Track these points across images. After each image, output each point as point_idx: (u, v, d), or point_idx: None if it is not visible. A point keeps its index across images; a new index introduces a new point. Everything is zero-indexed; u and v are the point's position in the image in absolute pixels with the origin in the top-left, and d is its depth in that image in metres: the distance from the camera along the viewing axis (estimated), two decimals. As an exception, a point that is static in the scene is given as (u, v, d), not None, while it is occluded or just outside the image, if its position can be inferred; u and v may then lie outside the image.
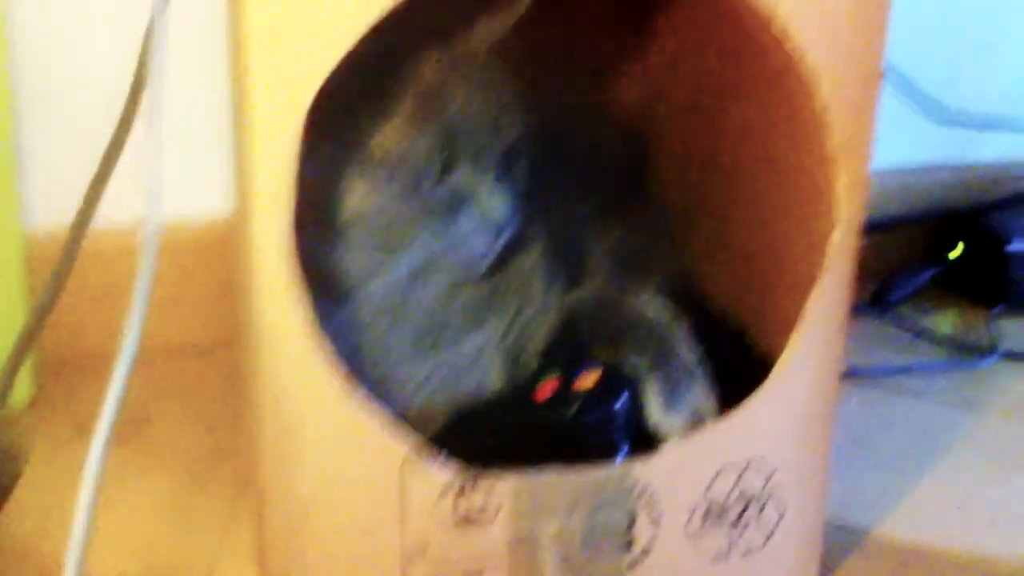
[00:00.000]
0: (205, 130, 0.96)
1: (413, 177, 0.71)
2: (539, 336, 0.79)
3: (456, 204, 0.72)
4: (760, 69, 0.76)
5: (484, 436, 0.74)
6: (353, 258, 0.72)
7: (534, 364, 0.77)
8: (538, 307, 0.79)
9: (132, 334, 0.58)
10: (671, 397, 0.73)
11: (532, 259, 0.79)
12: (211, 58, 0.93)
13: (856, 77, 0.68)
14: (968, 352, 1.10)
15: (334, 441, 0.67)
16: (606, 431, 0.72)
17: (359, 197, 0.71)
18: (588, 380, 0.73)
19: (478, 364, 0.77)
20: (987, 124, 1.24)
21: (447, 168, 0.71)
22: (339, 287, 0.73)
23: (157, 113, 0.60)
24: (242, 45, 0.60)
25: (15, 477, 0.67)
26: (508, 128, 0.74)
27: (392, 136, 0.70)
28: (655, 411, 0.73)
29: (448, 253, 0.73)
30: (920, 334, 1.13)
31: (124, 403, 0.92)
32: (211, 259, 1.01)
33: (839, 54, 0.67)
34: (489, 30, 0.73)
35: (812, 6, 0.66)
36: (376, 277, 0.73)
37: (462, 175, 0.72)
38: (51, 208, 0.92)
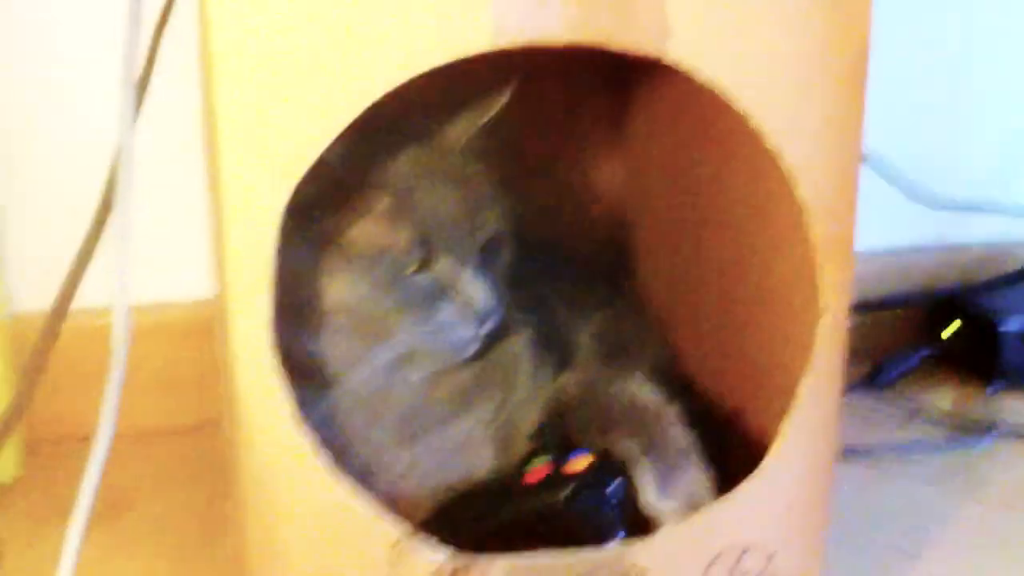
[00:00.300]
0: (192, 211, 0.96)
1: (393, 269, 0.71)
2: (527, 421, 0.78)
3: (436, 295, 0.72)
4: (740, 162, 0.77)
5: (475, 520, 0.73)
6: (335, 347, 0.72)
7: (523, 448, 0.76)
8: (525, 392, 0.79)
9: (107, 421, 0.57)
10: (665, 481, 0.72)
11: (518, 345, 0.79)
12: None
13: (836, 169, 0.68)
14: (965, 431, 1.09)
15: (320, 529, 0.66)
16: (599, 515, 0.71)
17: (339, 288, 0.71)
18: (580, 464, 0.72)
19: (465, 449, 0.76)
20: (970, 207, 1.25)
21: (427, 260, 0.72)
22: (321, 375, 0.73)
23: (126, 203, 0.60)
24: (216, 141, 0.61)
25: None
26: (487, 220, 0.75)
27: (370, 230, 0.71)
28: (649, 495, 0.72)
29: (431, 342, 0.73)
30: (916, 413, 1.12)
31: (107, 485, 0.91)
32: (197, 340, 1.01)
33: (817, 148, 0.68)
34: (464, 128, 0.75)
35: (787, 103, 0.67)
36: (359, 365, 0.73)
37: (442, 266, 0.72)
38: (37, 292, 0.92)
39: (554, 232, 0.94)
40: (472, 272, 0.73)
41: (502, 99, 0.74)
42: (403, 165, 0.73)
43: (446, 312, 0.72)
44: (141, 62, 0.68)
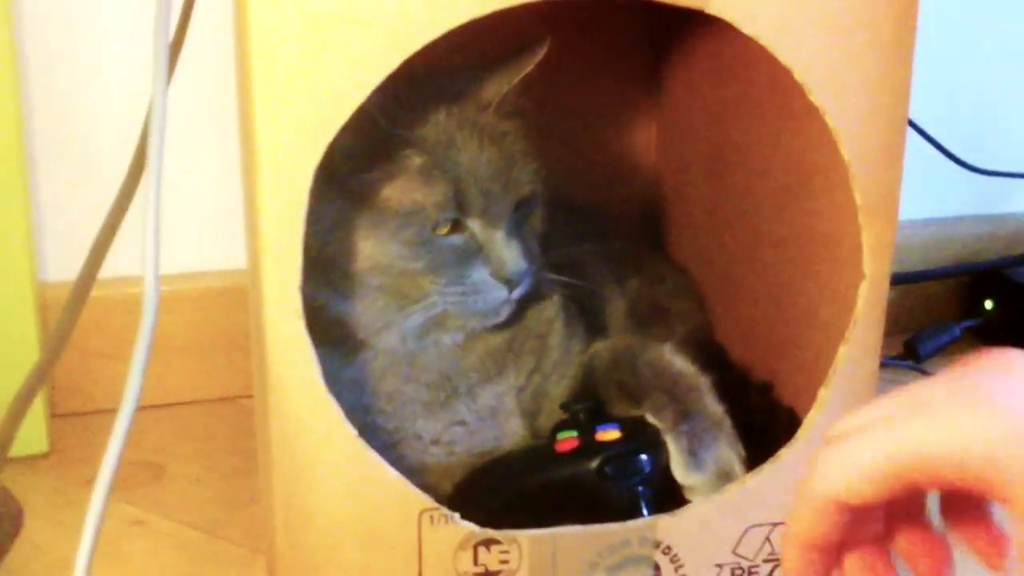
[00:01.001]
0: (224, 179, 0.96)
1: (425, 229, 0.70)
2: (559, 389, 0.78)
3: (469, 256, 0.71)
4: (784, 120, 0.76)
5: (504, 488, 0.73)
6: (367, 308, 0.72)
7: (554, 416, 0.75)
8: (557, 359, 0.78)
9: (133, 389, 0.57)
10: (696, 452, 0.71)
11: (551, 310, 0.78)
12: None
13: (882, 127, 0.67)
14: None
15: (347, 496, 0.65)
16: (629, 484, 0.70)
17: (371, 248, 0.70)
18: (610, 434, 0.71)
19: (496, 416, 0.75)
20: (1016, 174, 1.22)
21: (459, 221, 0.71)
22: (352, 339, 0.72)
23: (157, 170, 0.60)
24: (250, 101, 0.60)
25: (17, 527, 0.66)
26: (521, 179, 0.73)
27: (403, 188, 0.70)
28: (680, 466, 0.71)
29: (462, 304, 0.72)
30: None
31: (139, 453, 0.92)
32: (229, 308, 1.01)
33: (863, 105, 0.66)
34: (499, 85, 0.73)
35: (833, 58, 0.65)
36: (389, 329, 0.72)
37: (473, 228, 0.71)
38: (68, 260, 0.93)
39: (589, 194, 0.93)
40: (505, 233, 0.72)
41: (537, 55, 0.73)
42: (438, 122, 0.71)
43: (478, 273, 0.71)
44: (174, 24, 0.67)
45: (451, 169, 0.70)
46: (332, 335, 0.71)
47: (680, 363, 0.75)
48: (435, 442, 0.74)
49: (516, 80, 0.73)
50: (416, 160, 0.70)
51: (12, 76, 0.86)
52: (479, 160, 0.71)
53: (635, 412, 0.73)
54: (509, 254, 0.71)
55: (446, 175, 0.70)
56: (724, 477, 0.71)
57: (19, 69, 0.91)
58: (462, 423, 0.74)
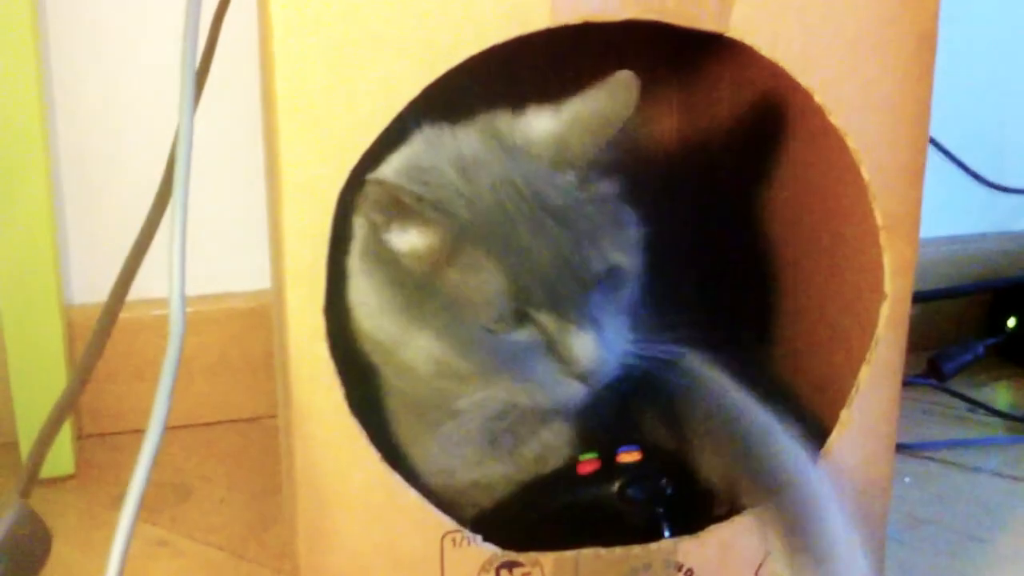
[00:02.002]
0: (250, 201, 0.97)
1: (475, 328, 0.61)
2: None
3: (533, 353, 0.62)
4: (808, 141, 0.76)
5: (527, 511, 0.73)
6: (422, 391, 0.66)
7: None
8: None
9: (160, 410, 0.58)
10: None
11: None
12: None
13: (902, 148, 0.67)
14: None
15: (371, 518, 0.66)
16: (650, 507, 0.70)
17: (421, 341, 0.63)
18: (632, 455, 0.71)
19: (544, 458, 0.72)
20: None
21: (522, 313, 0.62)
22: (410, 415, 0.69)
23: (183, 194, 0.60)
24: (275, 125, 0.61)
25: (46, 551, 0.67)
26: (599, 260, 0.63)
27: (454, 280, 0.61)
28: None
29: (528, 399, 0.64)
30: (976, 406, 1.10)
31: (166, 474, 0.93)
32: (254, 329, 1.02)
33: (883, 126, 0.66)
34: (581, 144, 0.62)
35: (853, 80, 0.65)
36: (448, 406, 0.67)
37: (540, 322, 0.62)
38: (97, 283, 0.94)
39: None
40: (576, 324, 0.61)
41: (630, 98, 0.62)
42: (494, 191, 0.61)
43: (548, 371, 0.62)
44: (201, 49, 0.68)
45: (505, 256, 0.61)
46: (375, 386, 0.68)
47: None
48: (473, 486, 0.71)
49: (607, 137, 0.62)
50: (463, 241, 0.61)
51: (41, 101, 0.87)
52: (543, 245, 0.61)
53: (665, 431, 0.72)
54: (582, 348, 0.61)
55: (498, 264, 0.61)
56: None
57: (47, 94, 0.92)
58: (505, 472, 0.71)
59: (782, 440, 0.66)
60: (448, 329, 0.62)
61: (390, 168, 0.64)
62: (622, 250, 0.64)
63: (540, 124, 0.65)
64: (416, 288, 0.62)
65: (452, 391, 0.65)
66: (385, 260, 0.63)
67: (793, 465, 0.65)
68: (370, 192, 0.62)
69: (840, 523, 0.64)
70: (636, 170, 0.66)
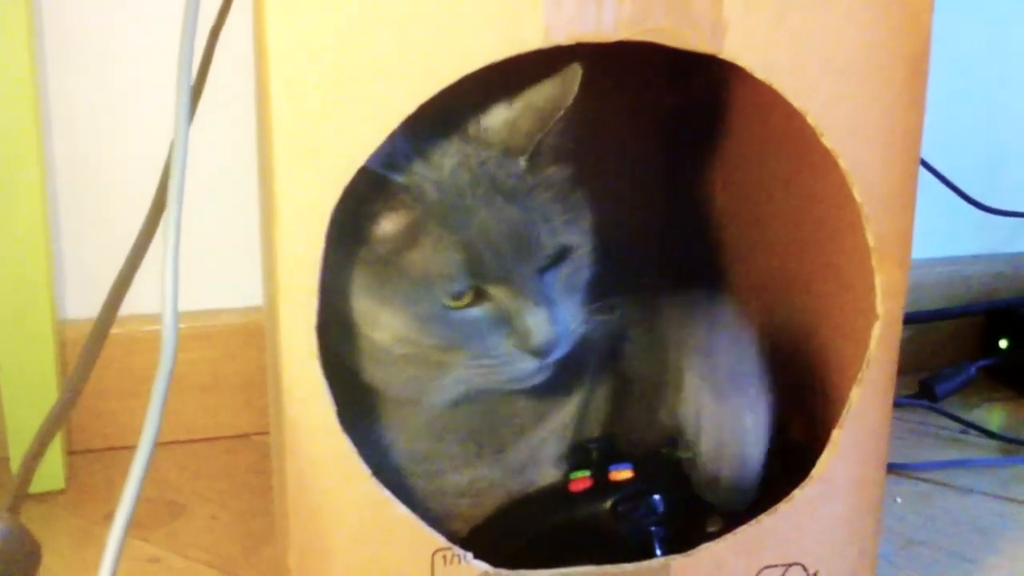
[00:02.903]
0: (243, 218, 0.97)
1: (436, 304, 0.65)
2: (596, 425, 0.75)
3: (491, 328, 0.66)
4: (801, 160, 0.76)
5: (518, 529, 0.73)
6: (393, 380, 0.69)
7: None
8: (600, 407, 0.76)
9: (151, 425, 0.58)
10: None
11: (599, 357, 0.75)
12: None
13: (894, 170, 0.67)
14: (1019, 447, 1.07)
15: (362, 535, 0.66)
16: (643, 525, 0.70)
17: (387, 320, 0.66)
18: (624, 473, 0.71)
19: (527, 469, 0.73)
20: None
21: (479, 290, 0.66)
22: (381, 399, 0.71)
23: (177, 210, 0.60)
24: (269, 144, 0.61)
25: (35, 566, 0.67)
26: (550, 239, 0.67)
27: (416, 258, 0.65)
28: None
29: (488, 376, 0.67)
30: (969, 427, 1.10)
31: (158, 490, 0.93)
32: (247, 345, 1.01)
33: (875, 148, 0.67)
34: (528, 132, 0.67)
35: (845, 101, 0.66)
36: (421, 395, 0.69)
37: (496, 296, 0.66)
38: (90, 299, 0.94)
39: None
40: (530, 300, 0.65)
41: (572, 87, 0.65)
42: (446, 173, 0.65)
43: (504, 344, 0.66)
44: (196, 66, 0.68)
45: (462, 232, 0.65)
46: (364, 399, 0.69)
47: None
48: (462, 495, 0.72)
49: (552, 123, 0.66)
50: (427, 226, 0.65)
51: (36, 115, 0.87)
52: (496, 221, 0.65)
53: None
54: (535, 323, 0.65)
55: (456, 240, 0.64)
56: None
57: (43, 108, 0.92)
58: (493, 478, 0.72)
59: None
60: (410, 306, 0.65)
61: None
62: (572, 231, 0.68)
63: (497, 114, 0.68)
64: (383, 267, 0.65)
65: (421, 377, 0.68)
66: (358, 242, 0.66)
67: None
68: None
69: None
70: (589, 158, 0.70)
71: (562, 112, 0.66)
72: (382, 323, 0.66)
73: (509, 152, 0.67)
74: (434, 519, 0.67)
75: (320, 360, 0.62)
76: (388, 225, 0.66)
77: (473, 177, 0.66)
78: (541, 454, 0.74)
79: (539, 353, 0.66)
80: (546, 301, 0.66)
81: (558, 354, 0.67)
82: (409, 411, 0.71)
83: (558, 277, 0.68)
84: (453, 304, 0.65)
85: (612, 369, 0.76)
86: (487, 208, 0.65)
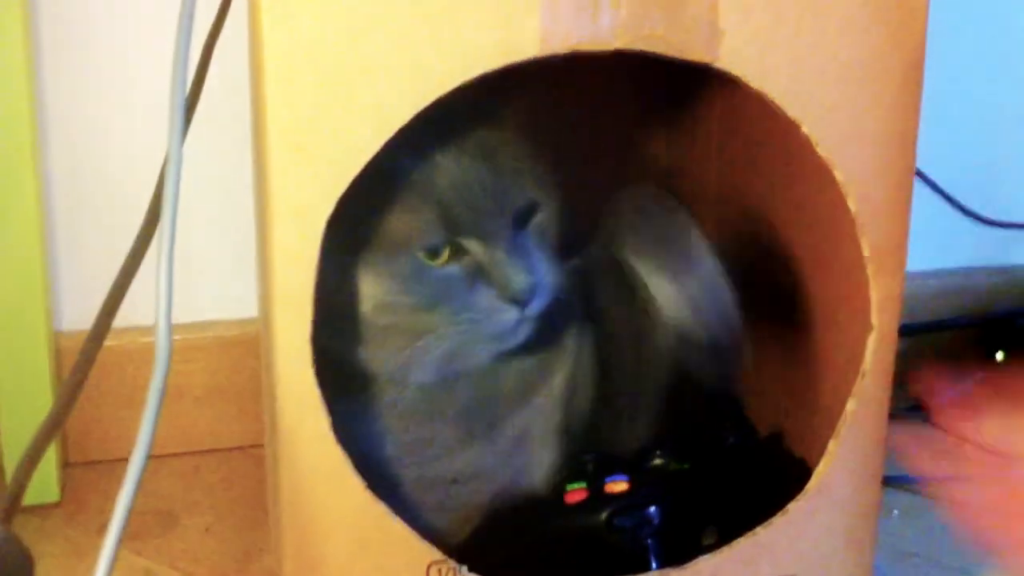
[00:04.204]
0: (238, 230, 0.97)
1: (416, 261, 0.67)
2: (585, 407, 0.76)
3: (471, 281, 0.68)
4: (796, 170, 0.76)
5: (513, 541, 0.73)
6: (378, 352, 0.70)
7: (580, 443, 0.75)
8: (588, 373, 0.76)
9: (145, 437, 0.57)
10: None
11: (575, 324, 0.75)
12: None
13: (889, 180, 0.68)
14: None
15: (356, 547, 0.66)
16: (638, 537, 0.70)
17: (369, 289, 0.68)
18: (619, 484, 0.71)
19: (521, 447, 0.74)
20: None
21: (456, 246, 0.67)
22: (371, 387, 0.71)
23: (171, 222, 0.60)
24: (265, 151, 0.61)
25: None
26: (517, 193, 0.69)
27: (394, 220, 0.67)
28: None
29: (474, 331, 0.68)
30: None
31: (152, 502, 0.92)
32: (242, 357, 1.01)
33: (870, 159, 0.67)
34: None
35: (839, 112, 0.66)
36: (406, 370, 0.70)
37: (471, 249, 0.68)
38: (85, 310, 0.93)
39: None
40: (505, 250, 0.67)
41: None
42: (416, 144, 0.66)
43: (484, 297, 0.67)
44: (191, 78, 0.69)
45: (434, 191, 0.67)
46: (350, 386, 0.70)
47: None
48: (455, 481, 0.72)
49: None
50: (398, 187, 0.67)
51: (32, 128, 0.87)
52: (464, 177, 0.67)
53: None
54: (512, 271, 0.67)
55: (429, 198, 0.67)
56: None
57: (39, 120, 0.92)
58: (490, 455, 0.73)
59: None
60: (390, 268, 0.67)
61: None
62: (540, 188, 0.71)
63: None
64: (359, 234, 0.67)
65: (406, 348, 0.68)
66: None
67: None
68: None
69: None
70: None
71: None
72: (364, 292, 0.67)
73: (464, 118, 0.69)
74: (429, 515, 0.66)
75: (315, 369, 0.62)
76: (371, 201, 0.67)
77: (439, 143, 0.68)
78: (533, 430, 0.74)
79: (519, 300, 0.67)
80: (522, 251, 0.68)
81: (538, 305, 0.68)
82: (398, 393, 0.71)
83: (530, 232, 0.70)
84: (431, 262, 0.67)
85: (592, 332, 0.77)
86: (459, 164, 0.68)
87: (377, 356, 0.70)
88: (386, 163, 0.64)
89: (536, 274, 0.68)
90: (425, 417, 0.72)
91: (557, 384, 0.75)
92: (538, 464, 0.75)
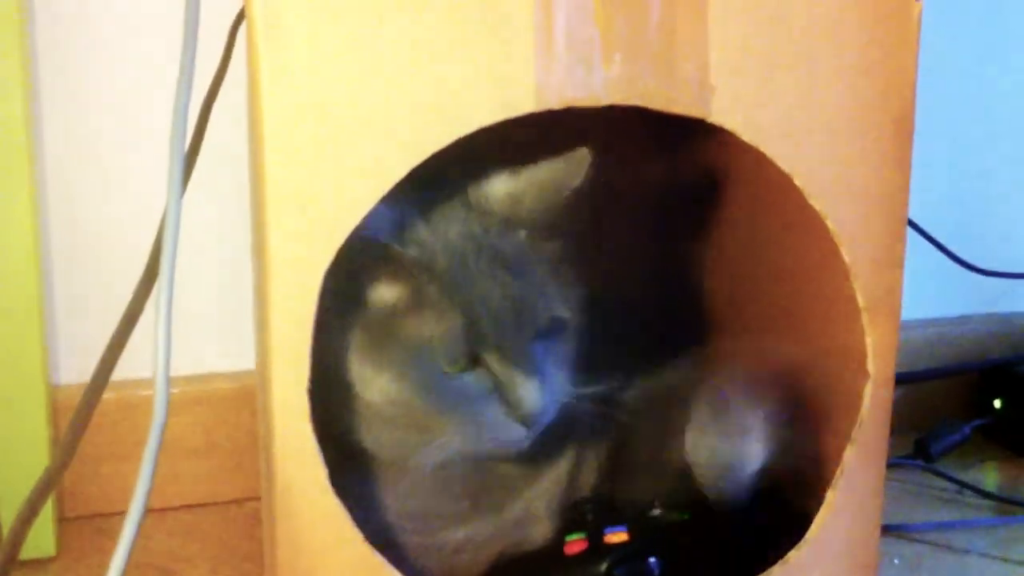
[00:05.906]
0: (237, 282, 0.97)
1: (435, 369, 0.66)
2: (589, 485, 0.76)
3: (483, 395, 0.67)
4: (789, 221, 0.77)
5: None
6: (383, 442, 0.69)
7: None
8: (593, 457, 0.76)
9: (142, 491, 0.57)
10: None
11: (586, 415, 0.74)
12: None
13: (882, 230, 0.68)
14: (1015, 507, 1.07)
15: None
16: (641, 588, 0.69)
17: (383, 384, 0.67)
18: (619, 535, 0.71)
19: (526, 523, 0.73)
20: (1021, 274, 1.23)
21: (473, 356, 0.67)
22: (375, 463, 0.71)
23: (169, 276, 0.61)
24: (262, 204, 0.62)
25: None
26: (544, 311, 0.68)
27: (412, 323, 0.66)
28: None
29: (477, 442, 0.68)
30: (964, 487, 1.10)
31: (150, 556, 0.92)
32: (239, 410, 1.01)
33: (862, 213, 0.68)
34: (532, 206, 0.68)
35: (831, 164, 0.67)
36: (411, 457, 0.69)
37: (489, 365, 0.67)
38: (79, 364, 0.93)
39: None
40: (522, 370, 0.66)
41: (581, 169, 0.66)
42: (449, 240, 0.66)
43: (494, 412, 0.67)
44: (190, 132, 0.69)
45: (464, 300, 0.66)
46: (353, 461, 0.69)
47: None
48: (458, 551, 0.72)
49: (559, 200, 0.67)
50: (428, 289, 0.66)
51: (31, 180, 0.87)
52: (497, 290, 0.66)
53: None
54: (525, 393, 0.66)
55: (457, 306, 0.66)
56: None
57: (38, 172, 0.93)
58: (490, 530, 0.72)
59: None
60: (407, 370, 0.66)
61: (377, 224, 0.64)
62: (564, 305, 0.70)
63: (499, 184, 0.69)
64: (379, 331, 0.66)
65: (407, 440, 0.68)
66: (355, 305, 0.66)
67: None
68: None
69: None
70: (584, 236, 0.72)
71: (567, 194, 0.67)
72: (377, 386, 0.67)
73: (510, 223, 0.69)
74: (428, 572, 0.66)
75: (312, 423, 0.62)
76: (390, 291, 0.67)
77: (476, 245, 0.67)
78: (536, 510, 0.74)
79: (527, 422, 0.67)
80: (537, 372, 0.67)
81: (543, 423, 0.68)
82: (397, 472, 0.71)
83: (549, 349, 0.70)
84: (447, 368, 0.66)
85: (607, 427, 0.76)
86: (489, 277, 0.67)
87: (377, 440, 0.69)
88: (418, 264, 0.65)
89: (548, 395, 0.68)
90: (425, 495, 0.72)
91: (560, 471, 0.75)
92: (541, 535, 0.74)
